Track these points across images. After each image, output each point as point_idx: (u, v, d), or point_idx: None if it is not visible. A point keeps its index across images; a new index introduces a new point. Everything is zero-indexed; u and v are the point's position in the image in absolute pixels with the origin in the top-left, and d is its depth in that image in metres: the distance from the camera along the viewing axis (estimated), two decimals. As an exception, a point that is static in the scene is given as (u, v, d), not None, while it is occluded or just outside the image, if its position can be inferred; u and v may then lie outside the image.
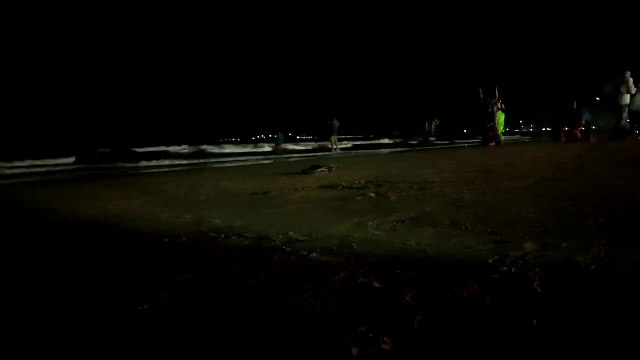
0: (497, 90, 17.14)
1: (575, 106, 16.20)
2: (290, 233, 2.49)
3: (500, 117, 17.45)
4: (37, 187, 7.65)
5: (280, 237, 2.41)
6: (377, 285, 1.55)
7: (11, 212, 4.41)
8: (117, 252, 2.31)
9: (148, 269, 1.92)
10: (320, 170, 7.25)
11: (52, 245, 2.66)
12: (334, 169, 7.57)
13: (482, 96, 17.06)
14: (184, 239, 2.50)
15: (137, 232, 2.81)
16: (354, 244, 2.16)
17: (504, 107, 17.50)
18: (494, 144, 16.87)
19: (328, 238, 2.33)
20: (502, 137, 17.98)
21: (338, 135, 21.47)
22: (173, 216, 3.36)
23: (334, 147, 21.49)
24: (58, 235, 2.97)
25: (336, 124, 20.90)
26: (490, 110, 17.15)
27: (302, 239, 2.33)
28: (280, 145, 26.64)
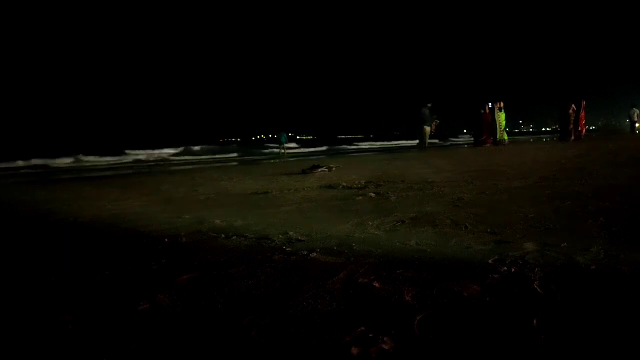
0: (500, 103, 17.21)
1: (582, 106, 16.43)
2: (291, 233, 2.49)
3: (501, 117, 17.43)
4: (36, 187, 7.65)
5: (280, 237, 2.41)
6: (377, 285, 1.55)
7: (12, 213, 4.41)
8: (117, 252, 2.31)
9: (148, 269, 1.92)
10: (320, 170, 7.25)
11: (52, 246, 2.67)
12: (334, 169, 7.57)
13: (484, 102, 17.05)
14: (184, 239, 2.50)
15: (138, 232, 2.80)
16: (354, 244, 2.16)
17: (502, 106, 17.46)
18: (489, 144, 16.89)
19: (328, 238, 2.33)
20: (506, 136, 17.94)
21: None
22: (173, 216, 3.36)
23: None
24: (59, 235, 2.97)
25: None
26: (482, 112, 17.16)
27: (302, 239, 2.33)
28: (283, 144, 26.51)
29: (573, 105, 16.66)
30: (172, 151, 30.28)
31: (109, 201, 4.68)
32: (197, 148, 32.11)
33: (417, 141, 18.29)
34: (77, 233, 3.00)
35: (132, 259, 2.12)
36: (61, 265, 2.13)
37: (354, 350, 1.09)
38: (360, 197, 3.85)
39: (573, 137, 16.43)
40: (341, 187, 4.75)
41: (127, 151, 28.31)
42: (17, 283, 1.87)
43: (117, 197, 5.11)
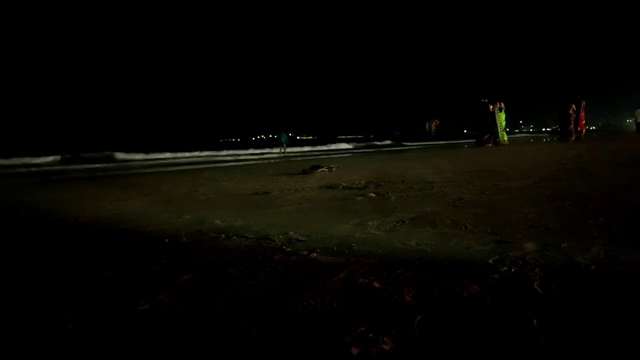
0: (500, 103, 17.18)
1: (582, 106, 16.49)
2: (291, 233, 2.49)
3: (501, 117, 17.41)
4: (37, 187, 7.65)
5: (280, 237, 2.41)
6: (377, 285, 1.55)
7: (13, 213, 4.40)
8: (117, 252, 2.31)
9: (148, 269, 1.92)
10: (320, 170, 7.25)
11: (53, 245, 2.67)
12: (334, 169, 7.57)
13: (485, 102, 17.01)
14: (184, 239, 2.50)
15: (138, 232, 2.80)
16: (354, 244, 2.16)
17: (502, 106, 17.42)
18: (491, 144, 16.87)
19: (328, 238, 2.33)
20: (505, 137, 17.90)
21: None
22: (173, 216, 3.36)
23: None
24: (59, 235, 2.97)
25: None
26: (489, 112, 17.12)
27: (302, 239, 2.33)
28: (284, 145, 26.48)
29: (573, 106, 16.67)
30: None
31: (109, 201, 4.68)
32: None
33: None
34: (77, 233, 3.00)
35: (132, 259, 2.12)
36: (61, 265, 2.13)
37: (354, 351, 1.09)
38: (360, 197, 3.85)
39: (573, 137, 16.46)
40: (341, 187, 4.75)
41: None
42: (18, 283, 1.87)
43: (117, 197, 5.11)
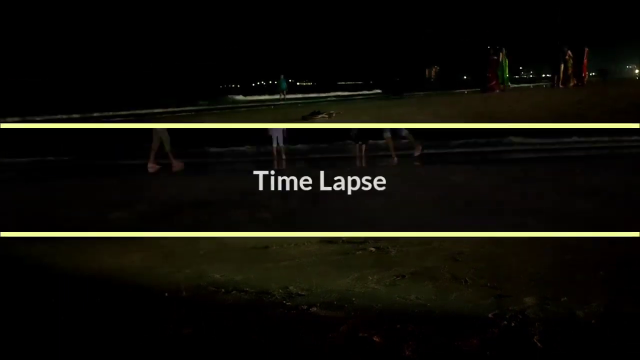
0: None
1: (585, 53, 16.26)
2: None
3: (505, 63, 17.14)
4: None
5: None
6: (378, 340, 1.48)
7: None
8: (116, 302, 2.01)
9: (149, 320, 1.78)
10: (320, 116, 7.24)
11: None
12: (334, 114, 7.55)
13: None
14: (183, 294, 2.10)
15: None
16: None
17: (505, 52, 17.12)
18: (497, 91, 16.66)
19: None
20: (509, 83, 17.70)
21: None
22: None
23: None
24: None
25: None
26: (495, 58, 16.80)
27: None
28: (284, 91, 25.90)
29: (569, 51, 16.37)
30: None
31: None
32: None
33: None
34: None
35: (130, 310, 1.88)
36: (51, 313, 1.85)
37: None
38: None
39: (572, 84, 16.24)
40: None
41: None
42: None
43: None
